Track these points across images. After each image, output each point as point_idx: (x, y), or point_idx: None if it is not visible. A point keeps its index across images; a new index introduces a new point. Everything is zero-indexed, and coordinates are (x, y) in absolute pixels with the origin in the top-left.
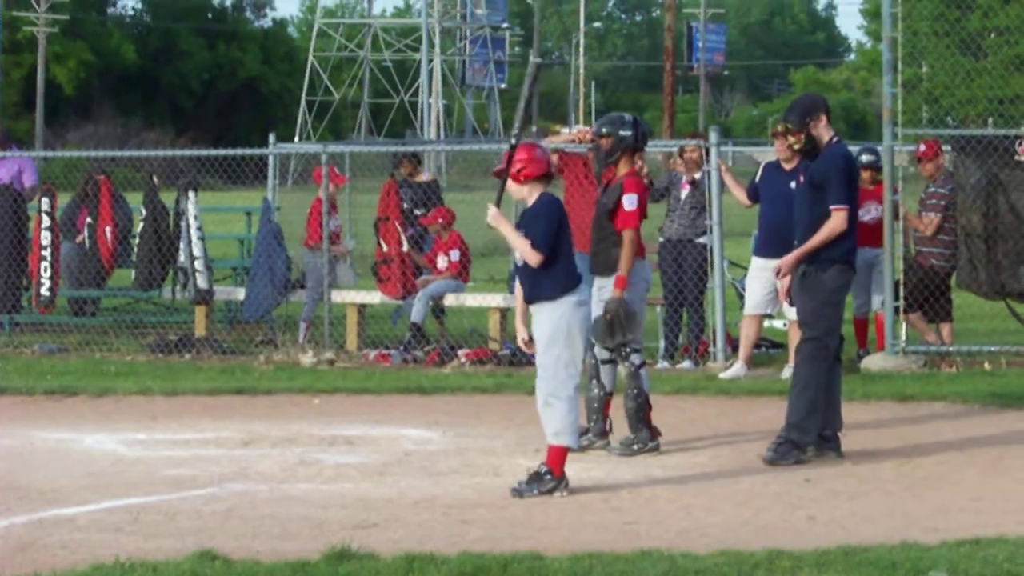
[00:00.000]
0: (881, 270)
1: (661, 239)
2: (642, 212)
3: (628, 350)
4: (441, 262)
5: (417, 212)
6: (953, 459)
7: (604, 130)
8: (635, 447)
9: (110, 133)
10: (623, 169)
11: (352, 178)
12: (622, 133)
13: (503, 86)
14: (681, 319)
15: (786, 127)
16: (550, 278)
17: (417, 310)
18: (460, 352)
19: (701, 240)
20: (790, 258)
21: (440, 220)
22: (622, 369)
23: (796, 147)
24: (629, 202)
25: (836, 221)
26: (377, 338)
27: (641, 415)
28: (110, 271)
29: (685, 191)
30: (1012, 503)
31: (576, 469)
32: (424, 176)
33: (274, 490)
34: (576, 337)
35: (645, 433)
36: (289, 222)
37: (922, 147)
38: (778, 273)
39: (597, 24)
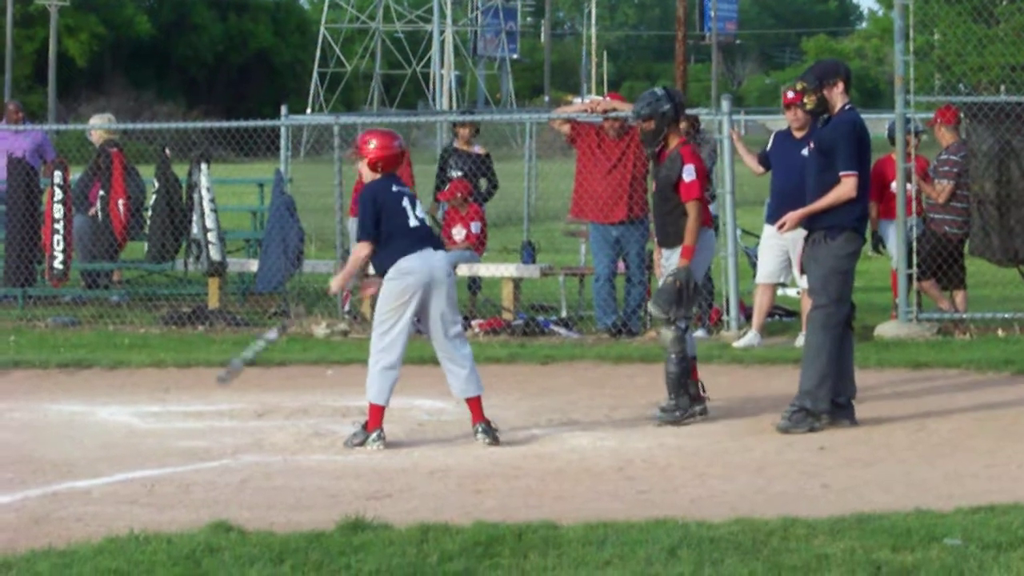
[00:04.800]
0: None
1: None
2: (703, 180)
3: (678, 320)
4: (457, 234)
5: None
6: (967, 426)
7: (644, 113)
8: (677, 414)
9: (122, 106)
10: (673, 140)
11: None
12: (662, 110)
13: (515, 56)
14: None
15: (802, 86)
16: (384, 256)
17: None
18: (474, 322)
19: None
20: (795, 213)
21: (459, 194)
22: (668, 333)
23: (808, 107)
24: (688, 173)
25: (845, 187)
26: None
27: (683, 381)
28: (123, 244)
29: None
30: None
31: (590, 438)
32: (476, 148)
33: (288, 461)
34: (394, 302)
35: (685, 399)
36: (302, 193)
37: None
38: (781, 226)
39: None
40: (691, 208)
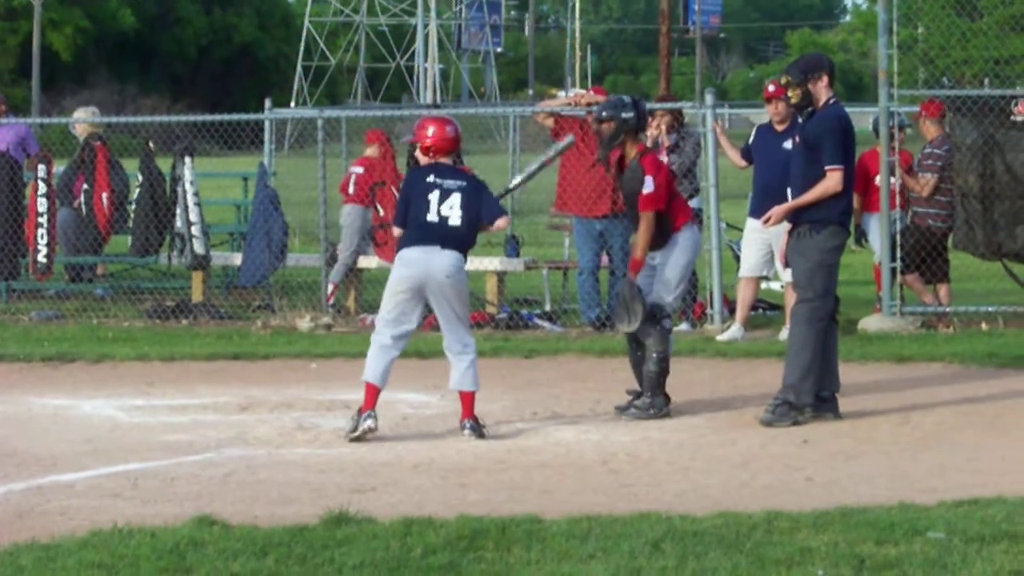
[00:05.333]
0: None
1: None
2: (665, 187)
3: (663, 316)
4: None
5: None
6: (951, 419)
7: (605, 114)
8: (651, 411)
9: (106, 99)
10: (632, 150)
11: (348, 143)
12: (624, 116)
13: (499, 50)
14: None
15: (787, 80)
16: (399, 241)
17: None
18: None
19: (690, 205)
20: (780, 208)
21: None
22: (650, 338)
23: (792, 101)
24: (647, 185)
25: (831, 181)
26: (375, 302)
27: (662, 380)
28: (107, 237)
29: (664, 158)
30: (1010, 463)
31: (574, 432)
32: None
33: (272, 455)
34: (389, 291)
35: (661, 399)
36: (286, 187)
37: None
38: (767, 221)
39: None
40: (643, 220)
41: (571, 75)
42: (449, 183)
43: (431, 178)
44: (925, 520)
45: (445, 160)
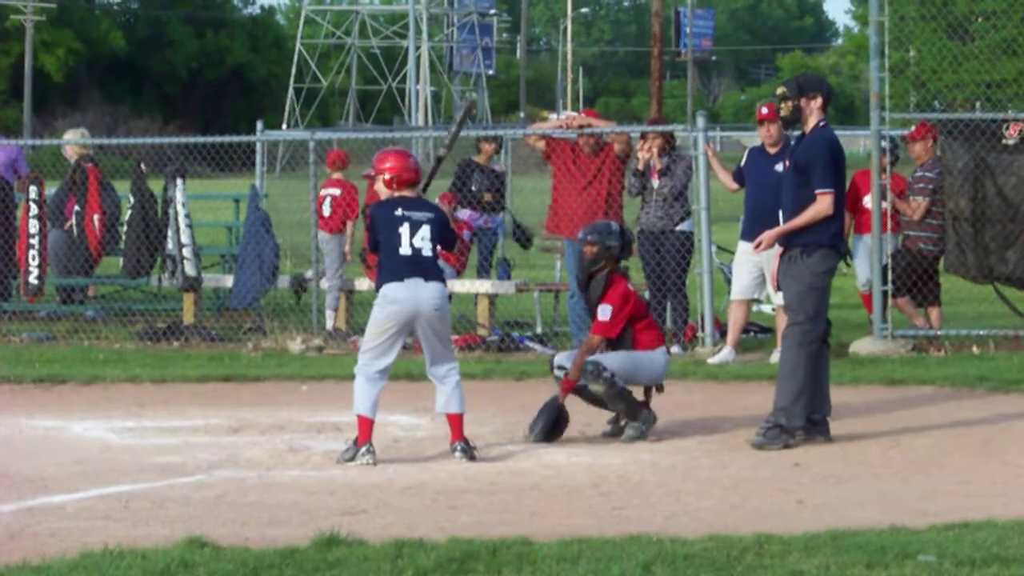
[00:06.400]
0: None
1: (638, 228)
2: (624, 318)
3: (602, 369)
4: None
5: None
6: (942, 443)
7: (590, 238)
8: (643, 429)
9: (98, 121)
10: (607, 269)
11: None
12: (608, 244)
13: (491, 72)
14: (666, 308)
15: (783, 91)
16: (378, 275)
17: None
18: None
19: (681, 228)
20: (771, 232)
21: (447, 203)
22: (598, 387)
23: (782, 113)
24: (602, 312)
25: (822, 205)
26: (365, 325)
27: (633, 403)
28: (98, 259)
29: (655, 181)
30: (1000, 486)
31: (565, 454)
32: (496, 167)
33: (263, 477)
34: (377, 328)
35: (645, 413)
36: (277, 209)
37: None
38: (758, 246)
39: (585, 10)
40: (586, 341)
41: (563, 97)
42: (418, 215)
43: (399, 211)
44: (916, 543)
45: (409, 192)
